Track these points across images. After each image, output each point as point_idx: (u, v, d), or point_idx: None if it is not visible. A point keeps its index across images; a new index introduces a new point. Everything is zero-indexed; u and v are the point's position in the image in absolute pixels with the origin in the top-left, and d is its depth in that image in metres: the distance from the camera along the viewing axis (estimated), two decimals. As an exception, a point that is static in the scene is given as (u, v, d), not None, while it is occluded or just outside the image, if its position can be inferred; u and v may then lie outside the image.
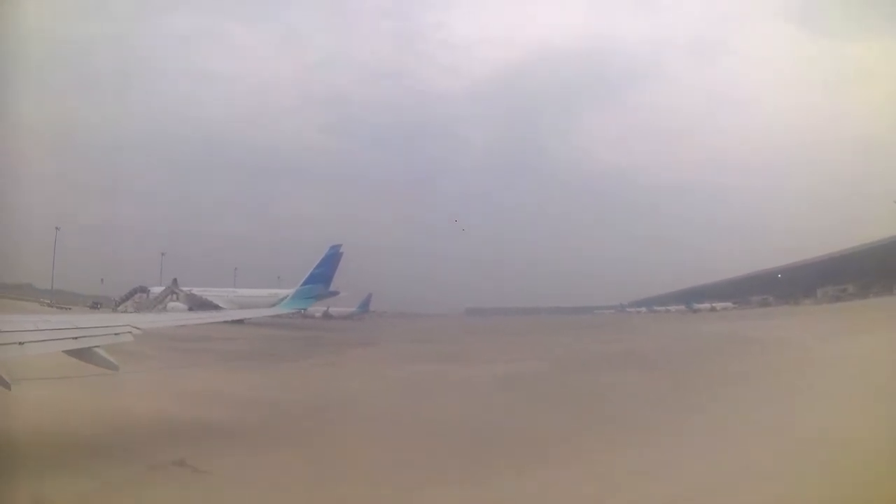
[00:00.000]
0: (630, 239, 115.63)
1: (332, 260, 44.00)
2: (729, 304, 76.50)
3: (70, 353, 7.36)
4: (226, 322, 34.36)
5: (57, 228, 53.50)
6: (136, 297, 54.04)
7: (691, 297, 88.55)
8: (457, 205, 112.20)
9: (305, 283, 42.30)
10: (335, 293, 53.02)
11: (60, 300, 51.63)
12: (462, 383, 16.86)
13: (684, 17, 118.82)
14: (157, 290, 54.49)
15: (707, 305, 77.64)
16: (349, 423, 11.16)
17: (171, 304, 49.95)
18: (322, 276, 42.83)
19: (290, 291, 51.45)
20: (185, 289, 52.79)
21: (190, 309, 44.19)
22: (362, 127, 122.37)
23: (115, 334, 8.50)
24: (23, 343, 6.28)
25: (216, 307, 45.14)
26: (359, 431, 10.30)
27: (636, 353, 25.05)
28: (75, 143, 74.68)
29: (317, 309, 57.93)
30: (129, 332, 8.77)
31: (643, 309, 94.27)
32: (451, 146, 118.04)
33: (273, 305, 49.48)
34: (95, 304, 52.68)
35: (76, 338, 7.38)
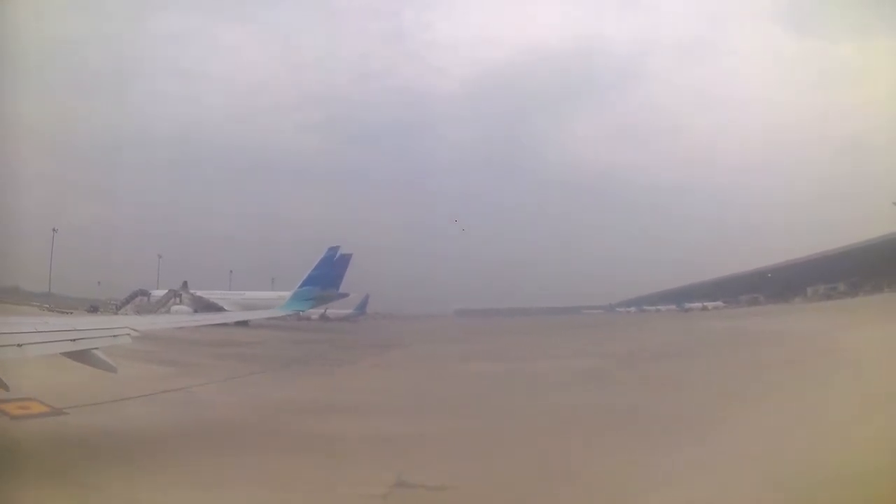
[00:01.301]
0: (617, 239, 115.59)
1: (330, 262, 43.89)
2: (720, 304, 76.84)
3: (68, 355, 7.39)
4: (225, 325, 33.97)
5: (54, 230, 52.59)
6: (137, 301, 53.13)
7: (679, 297, 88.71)
8: (444, 205, 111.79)
9: (303, 284, 42.19)
10: (345, 295, 52.54)
11: (53, 304, 49.82)
12: (550, 377, 17.05)
13: (675, 17, 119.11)
14: (158, 293, 53.65)
15: (699, 305, 77.95)
16: (519, 416, 10.78)
17: (174, 308, 48.77)
18: (320, 278, 42.67)
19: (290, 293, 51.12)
20: (190, 292, 51.88)
21: (195, 312, 43.84)
22: (352, 126, 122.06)
23: (113, 336, 8.55)
24: (21, 345, 6.30)
25: (222, 310, 44.45)
26: (545, 422, 10.04)
27: (675, 347, 25.51)
28: (64, 143, 73.51)
29: (313, 311, 57.31)
30: (127, 335, 8.84)
31: (633, 309, 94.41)
32: (441, 146, 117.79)
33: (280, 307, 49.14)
34: (93, 308, 50.96)
35: (74, 340, 7.37)
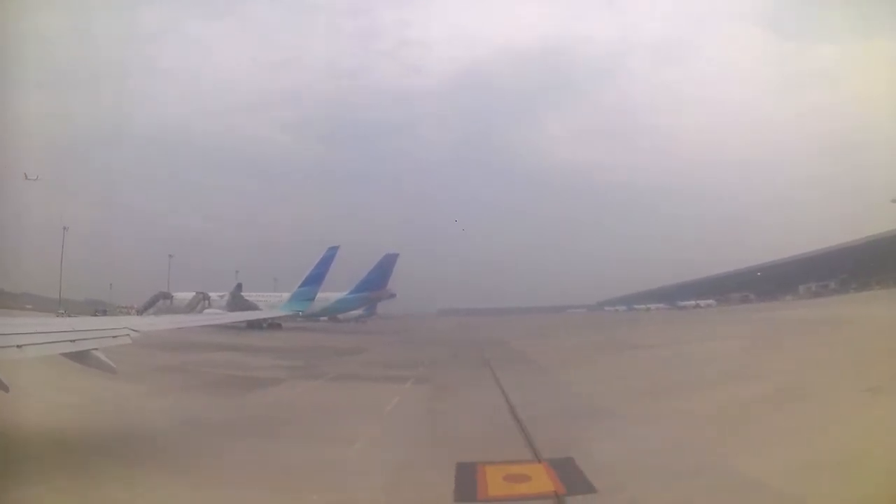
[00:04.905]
0: (600, 238, 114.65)
1: (329, 261, 43.95)
2: (712, 302, 76.43)
3: (68, 355, 7.39)
4: (233, 326, 33.92)
5: (65, 229, 52.64)
6: (160, 304, 52.36)
7: (663, 297, 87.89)
8: (426, 205, 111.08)
9: (303, 284, 42.27)
10: (393, 294, 52.61)
11: (40, 306, 47.80)
12: (719, 358, 17.20)
13: (655, 18, 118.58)
14: (181, 295, 52.62)
15: (692, 303, 77.55)
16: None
17: (206, 311, 46.80)
18: (319, 278, 42.87)
19: (338, 295, 50.79)
20: (217, 294, 50.63)
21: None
22: (328, 126, 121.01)
23: (113, 337, 8.63)
24: (21, 346, 6.39)
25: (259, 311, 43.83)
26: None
27: (762, 330, 25.48)
28: (48, 143, 71.92)
29: (356, 312, 57.08)
30: (127, 335, 8.99)
31: (622, 307, 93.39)
32: (420, 146, 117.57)
33: (325, 308, 49.49)
34: (101, 311, 48.12)
35: (73, 340, 7.38)
